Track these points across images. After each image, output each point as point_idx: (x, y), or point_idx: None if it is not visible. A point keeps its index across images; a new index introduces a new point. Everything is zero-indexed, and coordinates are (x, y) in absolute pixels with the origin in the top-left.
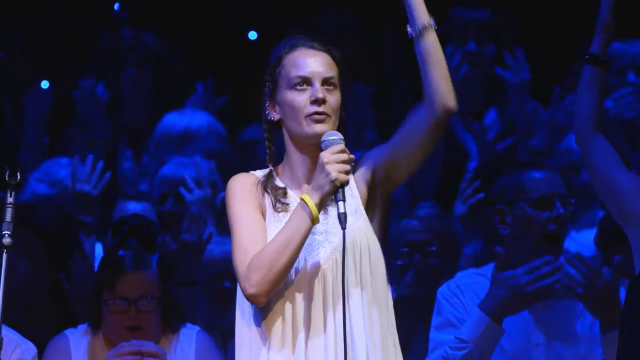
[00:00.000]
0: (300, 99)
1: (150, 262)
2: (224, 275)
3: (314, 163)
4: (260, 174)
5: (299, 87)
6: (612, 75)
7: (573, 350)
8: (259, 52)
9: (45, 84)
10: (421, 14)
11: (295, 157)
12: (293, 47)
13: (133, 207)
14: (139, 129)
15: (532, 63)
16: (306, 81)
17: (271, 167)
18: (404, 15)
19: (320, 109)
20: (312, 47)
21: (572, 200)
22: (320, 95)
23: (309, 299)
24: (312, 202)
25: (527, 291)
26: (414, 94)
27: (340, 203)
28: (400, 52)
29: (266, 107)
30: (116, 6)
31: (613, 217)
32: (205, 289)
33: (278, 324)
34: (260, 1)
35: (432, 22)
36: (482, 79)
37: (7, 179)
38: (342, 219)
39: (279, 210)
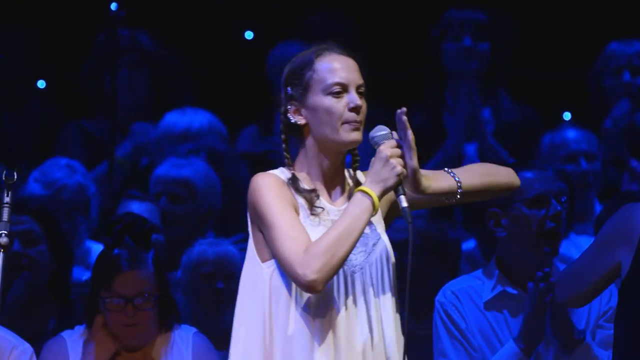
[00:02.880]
0: (339, 105)
1: (145, 260)
2: (217, 276)
3: (332, 169)
4: (281, 175)
5: (336, 94)
6: (608, 76)
7: None
8: (256, 52)
9: (42, 84)
10: (446, 189)
11: (315, 162)
12: (322, 50)
13: (136, 207)
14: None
15: (529, 64)
16: (343, 87)
17: (292, 170)
18: (398, 18)
19: (358, 117)
20: (341, 54)
21: (564, 199)
22: (359, 103)
23: (344, 297)
24: (374, 193)
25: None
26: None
27: (402, 197)
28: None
29: (288, 110)
30: (113, 6)
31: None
32: (198, 291)
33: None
34: (256, 1)
35: (457, 181)
36: (477, 75)
37: (3, 178)
38: (407, 212)
39: (315, 213)
